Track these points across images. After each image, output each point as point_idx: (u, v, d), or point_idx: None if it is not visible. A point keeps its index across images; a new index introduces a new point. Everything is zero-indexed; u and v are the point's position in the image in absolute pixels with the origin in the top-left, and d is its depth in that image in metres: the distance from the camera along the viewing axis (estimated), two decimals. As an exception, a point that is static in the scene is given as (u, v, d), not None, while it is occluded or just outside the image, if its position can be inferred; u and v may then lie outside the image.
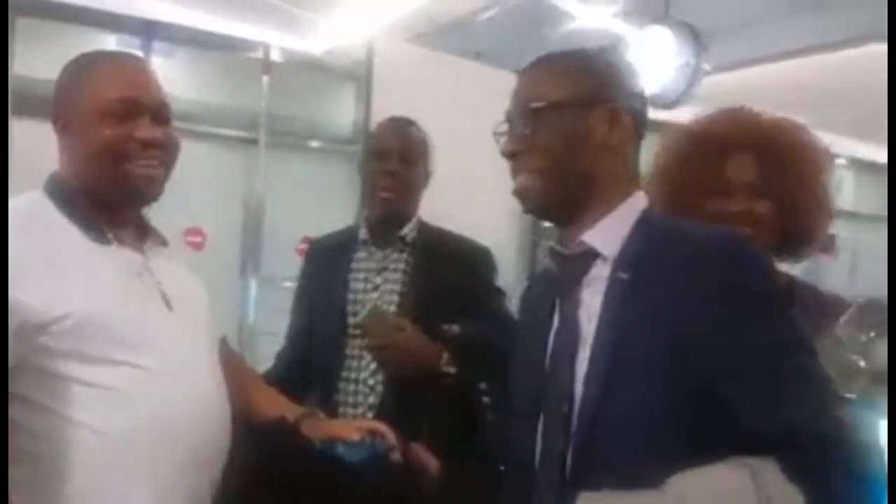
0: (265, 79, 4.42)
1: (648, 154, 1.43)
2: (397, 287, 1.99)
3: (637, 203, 1.18)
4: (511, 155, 1.21)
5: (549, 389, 1.18)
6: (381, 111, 2.85)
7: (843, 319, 1.42)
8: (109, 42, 3.88)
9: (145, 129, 1.33)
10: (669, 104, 3.44)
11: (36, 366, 1.20)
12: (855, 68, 4.11)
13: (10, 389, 1.17)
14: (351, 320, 1.97)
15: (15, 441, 1.17)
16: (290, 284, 4.71)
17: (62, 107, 1.36)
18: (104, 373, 1.23)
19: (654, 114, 1.32)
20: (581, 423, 1.10)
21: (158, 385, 1.28)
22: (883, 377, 1.22)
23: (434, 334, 1.88)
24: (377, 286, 2.01)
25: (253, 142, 4.46)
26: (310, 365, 2.06)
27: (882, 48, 3.96)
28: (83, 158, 1.34)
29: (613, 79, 1.19)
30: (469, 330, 1.91)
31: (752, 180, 1.39)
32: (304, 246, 4.91)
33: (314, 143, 4.73)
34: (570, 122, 1.16)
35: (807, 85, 3.94)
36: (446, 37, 4.07)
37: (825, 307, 1.48)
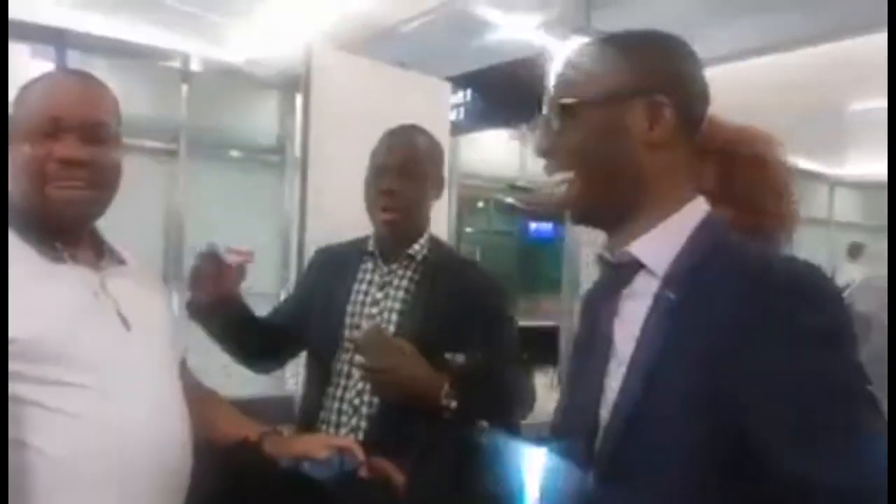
0: (184, 88, 4.33)
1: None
2: (398, 305, 1.87)
3: (696, 211, 1.04)
4: (542, 153, 1.09)
5: (573, 408, 1.11)
6: (314, 119, 2.82)
7: None
8: (22, 51, 3.74)
9: (65, 149, 1.29)
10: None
11: None
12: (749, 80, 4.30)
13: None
14: (346, 333, 1.86)
15: None
16: (215, 298, 4.64)
17: (9, 126, 1.34)
18: (52, 394, 1.19)
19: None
20: (606, 443, 1.01)
21: (112, 407, 1.24)
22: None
23: (435, 362, 1.72)
24: (377, 301, 1.88)
25: (173, 153, 4.36)
26: (285, 336, 2.01)
27: (773, 60, 4.17)
28: (14, 179, 1.32)
29: (659, 68, 1.04)
30: (475, 361, 1.75)
31: (711, 189, 1.30)
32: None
33: (236, 153, 4.66)
34: (603, 118, 1.03)
35: (729, 91, 4.08)
36: (370, 46, 4.07)
37: None
